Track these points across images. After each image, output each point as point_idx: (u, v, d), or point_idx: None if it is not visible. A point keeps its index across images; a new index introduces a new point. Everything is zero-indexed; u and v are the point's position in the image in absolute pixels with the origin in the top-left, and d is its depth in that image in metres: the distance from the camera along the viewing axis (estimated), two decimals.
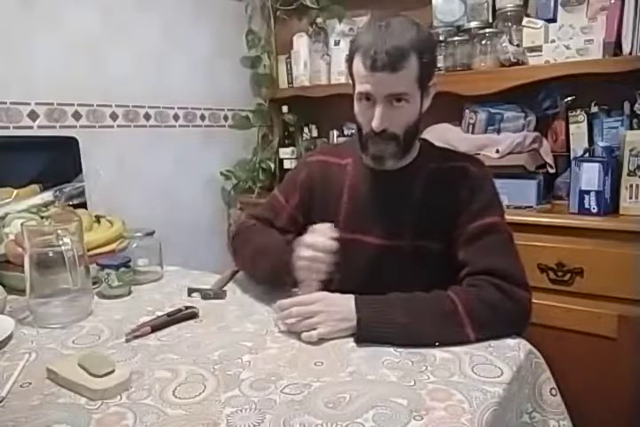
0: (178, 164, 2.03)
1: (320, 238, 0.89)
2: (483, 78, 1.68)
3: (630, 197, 1.40)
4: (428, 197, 0.99)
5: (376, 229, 1.01)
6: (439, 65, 1.76)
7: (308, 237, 0.90)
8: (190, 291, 1.07)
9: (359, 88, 0.92)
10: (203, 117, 2.13)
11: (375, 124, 0.92)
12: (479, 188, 0.97)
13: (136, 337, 0.84)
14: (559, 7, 1.59)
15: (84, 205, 1.30)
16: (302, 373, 0.71)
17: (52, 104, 1.63)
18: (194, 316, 0.93)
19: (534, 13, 1.68)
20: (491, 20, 1.75)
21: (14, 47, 1.53)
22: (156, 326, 0.87)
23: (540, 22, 1.61)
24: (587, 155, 1.52)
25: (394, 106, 0.91)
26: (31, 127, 1.58)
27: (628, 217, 1.39)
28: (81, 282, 0.91)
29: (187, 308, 0.94)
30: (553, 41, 1.59)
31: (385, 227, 1.01)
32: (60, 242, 0.89)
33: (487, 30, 1.71)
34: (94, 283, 1.04)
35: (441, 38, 1.79)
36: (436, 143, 1.10)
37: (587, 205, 1.42)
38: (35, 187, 1.28)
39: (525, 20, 1.64)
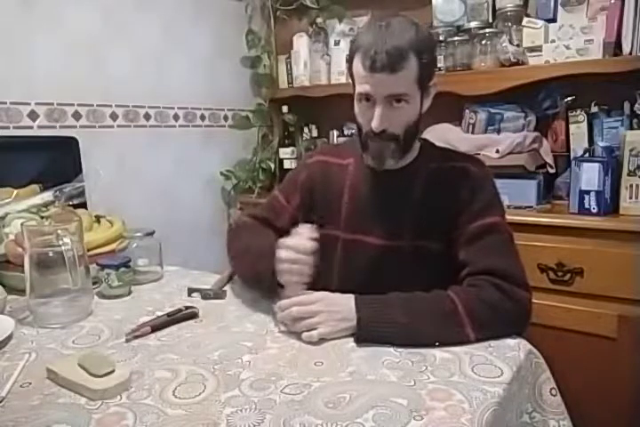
0: (178, 164, 2.04)
1: (300, 240, 0.89)
2: (483, 78, 1.68)
3: (630, 197, 1.40)
4: (428, 197, 0.99)
5: (377, 229, 1.01)
6: (439, 65, 1.76)
7: (287, 240, 0.90)
8: (190, 291, 1.07)
9: (359, 88, 0.92)
10: (203, 117, 2.13)
11: (375, 124, 0.92)
12: (480, 188, 0.97)
13: (136, 337, 0.84)
14: (559, 7, 1.59)
15: (84, 205, 1.30)
16: (302, 373, 0.71)
17: (52, 104, 1.63)
18: (194, 316, 0.93)
19: (534, 13, 1.68)
20: (491, 20, 1.75)
21: (14, 47, 1.53)
22: (156, 326, 0.87)
23: (540, 22, 1.61)
24: (587, 155, 1.52)
25: (394, 106, 0.91)
26: (31, 127, 1.58)
27: (628, 217, 1.39)
28: (81, 282, 0.91)
29: (187, 308, 0.94)
30: (553, 41, 1.59)
31: (385, 227, 1.01)
32: (60, 242, 0.89)
33: (487, 30, 1.71)
34: (94, 283, 1.04)
35: (441, 38, 1.79)
36: (437, 143, 1.10)
37: (587, 205, 1.42)
38: (35, 187, 1.28)
39: (525, 20, 1.64)
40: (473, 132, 1.73)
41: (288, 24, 2.26)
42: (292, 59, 2.23)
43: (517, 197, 1.56)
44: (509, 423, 0.70)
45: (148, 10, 1.87)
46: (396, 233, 1.00)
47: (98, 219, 1.30)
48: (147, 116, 1.91)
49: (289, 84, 2.27)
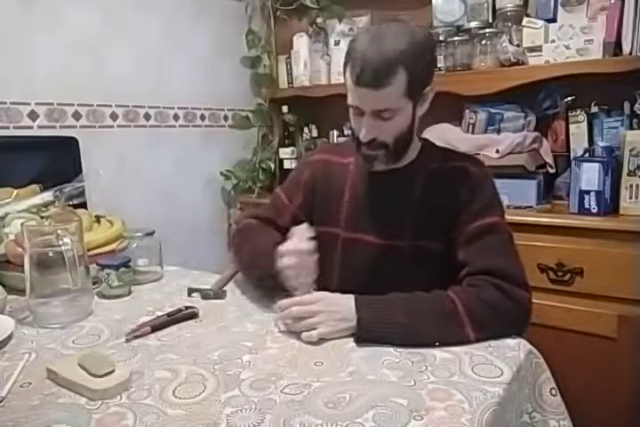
0: (178, 164, 2.04)
1: (298, 243, 0.89)
2: (483, 78, 1.68)
3: (630, 197, 1.40)
4: (428, 197, 0.99)
5: (377, 228, 1.02)
6: (439, 65, 1.76)
7: (286, 246, 0.90)
8: (190, 291, 1.07)
9: (348, 99, 0.93)
10: (203, 117, 2.13)
11: (362, 135, 0.93)
12: (479, 188, 0.97)
13: (136, 337, 0.84)
14: (559, 7, 1.59)
15: (84, 205, 1.30)
16: (302, 373, 0.71)
17: (52, 104, 1.63)
18: (194, 316, 0.93)
19: (534, 13, 1.68)
20: (491, 20, 1.75)
21: (14, 47, 1.53)
22: (156, 326, 0.87)
23: (540, 22, 1.61)
24: (587, 155, 1.52)
25: (382, 117, 0.91)
26: (31, 127, 1.58)
27: (628, 217, 1.39)
28: (81, 282, 0.91)
29: (187, 308, 0.94)
30: (553, 41, 1.59)
31: (385, 226, 1.01)
32: (60, 242, 0.89)
33: (487, 30, 1.71)
34: (94, 283, 1.04)
35: (441, 38, 1.79)
36: (437, 143, 1.10)
37: (587, 205, 1.42)
38: (35, 187, 1.28)
39: (525, 20, 1.64)
40: (473, 132, 1.73)
41: (288, 24, 2.26)
42: (292, 59, 2.23)
43: (517, 197, 1.56)
44: (509, 423, 0.70)
45: (148, 10, 1.87)
46: (396, 233, 1.00)
47: (98, 219, 1.30)
48: (147, 116, 1.91)
49: (289, 84, 2.27)
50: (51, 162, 1.50)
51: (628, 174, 1.40)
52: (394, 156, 0.98)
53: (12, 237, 1.09)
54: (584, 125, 1.59)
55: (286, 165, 2.22)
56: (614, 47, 1.47)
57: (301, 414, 0.61)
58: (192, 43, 2.05)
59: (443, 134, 1.69)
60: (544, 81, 1.60)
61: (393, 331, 0.79)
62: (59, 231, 0.90)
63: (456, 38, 1.77)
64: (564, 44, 1.57)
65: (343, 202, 1.06)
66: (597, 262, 1.36)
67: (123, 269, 1.06)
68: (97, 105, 1.74)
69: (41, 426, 0.60)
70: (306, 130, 2.30)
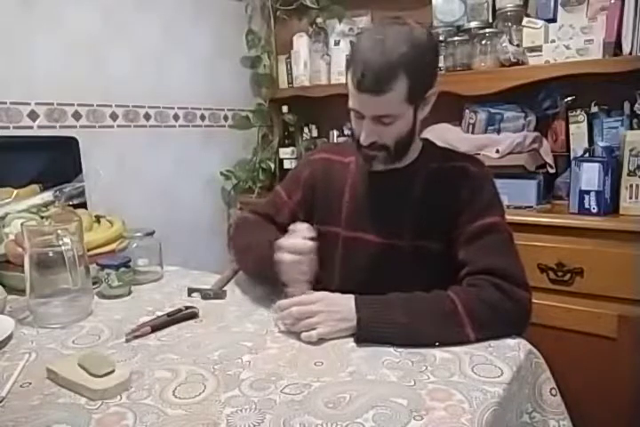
0: (178, 164, 2.04)
1: (299, 240, 0.89)
2: (483, 78, 1.68)
3: (630, 197, 1.40)
4: (428, 197, 0.99)
5: (377, 227, 1.02)
6: (439, 65, 1.75)
7: (285, 241, 0.90)
8: (190, 291, 1.07)
9: (349, 102, 0.93)
10: (203, 117, 2.13)
11: (362, 139, 0.93)
12: (480, 188, 0.97)
13: (136, 337, 0.84)
14: (559, 7, 1.59)
15: (84, 205, 1.30)
16: (302, 373, 0.71)
17: (52, 104, 1.63)
18: (194, 316, 0.93)
19: (534, 13, 1.68)
20: (491, 20, 1.75)
21: (14, 47, 1.53)
22: (156, 326, 0.87)
23: (540, 22, 1.61)
24: (587, 155, 1.52)
25: (383, 122, 0.91)
26: (31, 127, 1.58)
27: (628, 217, 1.39)
28: (81, 282, 0.91)
29: (187, 308, 0.94)
30: (553, 41, 1.59)
31: (386, 226, 1.01)
32: (60, 242, 0.89)
33: (487, 30, 1.71)
34: (94, 283, 1.04)
35: (441, 38, 1.79)
36: (438, 143, 1.10)
37: (587, 205, 1.42)
38: (35, 187, 1.28)
39: (525, 20, 1.64)
40: (473, 132, 1.73)
41: (288, 24, 2.26)
42: (292, 59, 2.23)
43: (517, 197, 1.56)
44: (509, 423, 0.70)
45: (148, 10, 1.87)
46: (397, 232, 1.00)
47: (98, 219, 1.30)
48: (147, 116, 1.91)
49: (289, 84, 2.27)
50: (51, 162, 1.50)
51: (628, 174, 1.40)
52: (394, 157, 0.98)
53: (12, 237, 1.09)
54: (584, 125, 1.59)
55: (286, 165, 2.22)
56: (614, 47, 1.47)
57: (301, 414, 0.61)
58: (192, 43, 2.05)
59: (442, 134, 1.69)
60: (544, 81, 1.60)
61: (393, 331, 0.79)
62: (59, 231, 0.90)
63: (456, 38, 1.77)
64: (564, 44, 1.57)
65: (344, 201, 1.06)
66: (597, 262, 1.36)
67: (123, 269, 1.06)
68: (97, 105, 1.74)
69: (41, 426, 0.60)
70: (306, 130, 2.30)
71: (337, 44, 2.11)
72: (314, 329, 0.81)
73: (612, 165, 1.41)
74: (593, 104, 1.60)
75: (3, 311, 0.97)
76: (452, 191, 0.97)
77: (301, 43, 2.19)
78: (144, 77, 1.88)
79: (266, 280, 0.98)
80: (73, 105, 1.68)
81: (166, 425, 0.60)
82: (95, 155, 1.71)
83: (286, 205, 1.13)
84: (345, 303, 0.83)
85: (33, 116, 1.59)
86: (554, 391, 0.79)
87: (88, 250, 1.03)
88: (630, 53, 1.44)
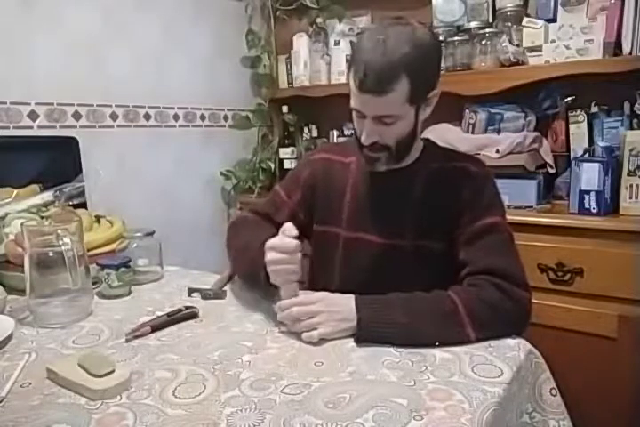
0: (178, 164, 2.04)
1: (282, 240, 0.87)
2: (483, 78, 1.68)
3: (630, 197, 1.40)
4: (429, 197, 0.99)
5: (378, 227, 1.02)
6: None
7: (271, 241, 0.88)
8: (190, 291, 1.07)
9: (351, 102, 0.93)
10: (203, 117, 2.13)
11: (363, 138, 0.93)
12: (481, 188, 0.97)
13: (136, 337, 0.84)
14: (559, 7, 1.59)
15: (84, 205, 1.30)
16: (302, 373, 0.71)
17: (52, 104, 1.63)
18: (194, 316, 0.93)
19: (534, 13, 1.68)
20: (491, 20, 1.75)
21: (14, 47, 1.53)
22: (156, 326, 0.87)
23: (540, 22, 1.61)
24: (587, 155, 1.52)
25: (384, 122, 0.91)
26: (31, 127, 1.58)
27: (628, 217, 1.39)
28: (81, 282, 0.91)
29: (187, 308, 0.94)
30: (553, 41, 1.59)
31: (387, 226, 1.01)
32: (60, 242, 0.89)
33: (487, 30, 1.71)
34: (94, 283, 1.04)
35: (441, 38, 1.79)
36: (439, 143, 1.10)
37: (587, 205, 1.42)
38: (35, 187, 1.28)
39: (525, 20, 1.64)
40: (473, 132, 1.72)
41: (288, 24, 2.26)
42: (292, 59, 2.23)
43: (517, 197, 1.56)
44: (509, 423, 0.70)
45: (148, 10, 1.87)
46: (398, 232, 1.00)
47: (98, 219, 1.30)
48: (147, 116, 1.91)
49: (289, 84, 2.27)
50: (51, 162, 1.50)
51: (628, 174, 1.40)
52: (395, 157, 0.98)
53: (12, 237, 1.09)
54: (584, 125, 1.59)
55: (286, 165, 2.23)
56: (614, 47, 1.47)
57: (301, 414, 0.61)
58: (192, 43, 2.05)
59: (442, 134, 1.69)
60: (544, 81, 1.60)
61: (393, 331, 0.79)
62: (59, 231, 0.90)
63: (456, 38, 1.77)
64: (564, 44, 1.57)
65: (345, 201, 1.06)
66: (597, 262, 1.36)
67: (123, 269, 1.06)
68: (97, 105, 1.74)
69: (41, 426, 0.60)
70: (306, 130, 2.30)
71: (337, 44, 2.11)
72: (314, 329, 0.81)
73: (612, 165, 1.41)
74: (593, 104, 1.60)
75: (3, 311, 0.97)
76: (454, 191, 0.97)
77: (301, 43, 2.19)
78: (144, 77, 1.88)
79: (257, 284, 0.95)
80: (73, 105, 1.68)
81: (166, 425, 0.60)
82: (95, 155, 1.71)
83: (286, 205, 1.13)
84: (345, 303, 0.83)
85: (33, 116, 1.59)
86: (554, 391, 0.79)
87: (88, 250, 1.03)
88: (630, 53, 1.44)
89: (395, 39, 0.85)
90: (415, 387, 0.67)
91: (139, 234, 1.17)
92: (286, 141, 2.26)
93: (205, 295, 1.04)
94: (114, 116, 1.80)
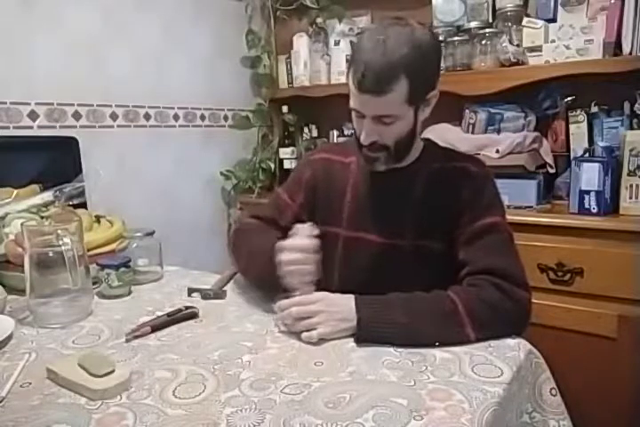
0: (178, 164, 2.04)
1: (300, 240, 0.88)
2: (483, 78, 1.68)
3: (630, 197, 1.40)
4: (429, 197, 0.99)
5: (378, 227, 1.02)
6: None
7: (287, 242, 0.89)
8: (190, 291, 1.07)
9: (350, 102, 0.93)
10: (203, 117, 2.13)
11: (362, 138, 0.93)
12: (481, 188, 0.97)
13: (136, 337, 0.84)
14: (559, 7, 1.59)
15: (84, 205, 1.30)
16: (302, 373, 0.71)
17: (52, 104, 1.63)
18: (194, 316, 0.93)
19: (534, 13, 1.68)
20: (491, 20, 1.75)
21: (14, 47, 1.53)
22: (156, 326, 0.87)
23: (540, 22, 1.61)
24: (587, 155, 1.52)
25: (383, 122, 0.91)
26: (31, 127, 1.58)
27: (628, 217, 1.39)
28: (81, 282, 0.91)
29: (187, 308, 0.94)
30: (553, 41, 1.59)
31: (387, 226, 1.01)
32: (60, 242, 0.89)
33: (487, 30, 1.71)
34: (94, 283, 1.04)
35: (441, 38, 1.79)
36: (439, 143, 1.10)
37: (587, 205, 1.42)
38: (35, 187, 1.28)
39: (525, 20, 1.64)
40: (473, 132, 1.73)
41: (288, 24, 2.26)
42: (292, 59, 2.23)
43: (517, 197, 1.56)
44: (509, 423, 0.70)
45: (148, 10, 1.87)
46: (398, 232, 1.00)
47: (98, 219, 1.30)
48: (147, 116, 1.91)
49: (289, 84, 2.27)
50: (51, 162, 1.50)
51: (628, 174, 1.40)
52: (395, 157, 0.98)
53: (12, 237, 1.09)
54: (584, 125, 1.59)
55: (286, 165, 2.23)
56: (614, 47, 1.47)
57: (301, 414, 0.61)
58: (192, 43, 2.05)
59: (442, 134, 1.69)
60: (544, 81, 1.60)
61: (393, 331, 0.79)
62: (59, 231, 0.90)
63: (456, 38, 1.77)
64: (564, 44, 1.57)
65: (345, 201, 1.06)
66: (597, 262, 1.36)
67: (123, 269, 1.06)
68: (97, 105, 1.74)
69: (41, 426, 0.60)
70: (306, 130, 2.30)
71: (337, 44, 2.11)
72: (314, 329, 0.81)
73: (612, 165, 1.41)
74: (593, 104, 1.60)
75: (3, 311, 0.97)
76: (454, 191, 0.97)
77: (301, 43, 2.19)
78: (144, 77, 1.88)
79: (270, 287, 0.95)
80: (73, 105, 1.68)
81: (166, 425, 0.60)
82: (95, 155, 1.71)
83: (289, 208, 1.12)
84: (345, 303, 0.83)
85: (33, 116, 1.59)
86: (554, 391, 0.79)
87: (88, 250, 1.03)
88: (630, 53, 1.44)
89: (394, 40, 0.85)
90: (415, 387, 0.67)
91: (139, 234, 1.17)
92: (286, 141, 2.26)
93: (205, 295, 1.04)
94: (114, 116, 1.80)
